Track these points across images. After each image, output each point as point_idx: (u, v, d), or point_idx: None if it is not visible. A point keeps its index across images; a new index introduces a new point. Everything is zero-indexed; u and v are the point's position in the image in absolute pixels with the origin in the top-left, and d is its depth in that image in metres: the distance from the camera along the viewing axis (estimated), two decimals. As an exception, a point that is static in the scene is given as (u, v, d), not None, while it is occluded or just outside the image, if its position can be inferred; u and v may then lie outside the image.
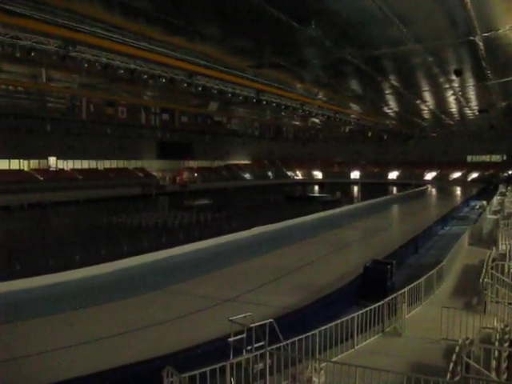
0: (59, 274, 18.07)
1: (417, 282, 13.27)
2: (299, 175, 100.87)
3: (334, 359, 9.71)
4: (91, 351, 11.23)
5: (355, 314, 10.91)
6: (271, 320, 9.48)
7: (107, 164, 73.79)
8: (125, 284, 18.34)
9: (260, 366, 8.77)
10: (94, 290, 17.44)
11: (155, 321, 13.19)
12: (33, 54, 26.26)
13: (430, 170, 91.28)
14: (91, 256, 21.92)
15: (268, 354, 8.62)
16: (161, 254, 21.96)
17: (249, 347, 9.16)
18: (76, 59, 28.20)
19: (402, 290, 12.28)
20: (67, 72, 35.29)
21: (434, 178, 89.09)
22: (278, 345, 8.99)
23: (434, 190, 74.64)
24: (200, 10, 21.24)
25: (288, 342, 9.23)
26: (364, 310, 11.19)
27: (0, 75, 37.87)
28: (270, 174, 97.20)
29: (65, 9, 22.03)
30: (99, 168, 72.56)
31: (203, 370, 7.71)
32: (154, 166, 79.77)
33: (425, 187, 75.19)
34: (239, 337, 9.20)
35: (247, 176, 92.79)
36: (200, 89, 36.14)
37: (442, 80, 33.71)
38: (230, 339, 9.23)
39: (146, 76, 32.05)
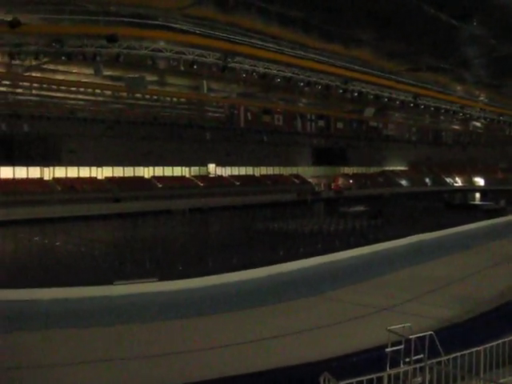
0: (217, 277, 18.78)
1: None
2: (459, 182, 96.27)
3: (502, 381, 9.03)
4: (247, 351, 11.46)
5: (525, 333, 10.05)
6: (431, 332, 9.07)
7: (263, 170, 75.45)
8: (280, 288, 18.60)
9: (418, 379, 8.41)
10: (251, 292, 17.88)
11: (310, 326, 13.19)
12: (195, 67, 27.68)
13: None
14: (248, 259, 22.54)
15: (427, 367, 8.25)
16: (316, 260, 22.00)
17: (407, 359, 8.83)
18: (234, 70, 29.26)
19: None
20: (226, 82, 36.73)
21: None
22: (438, 359, 8.56)
23: None
24: (355, 16, 21.12)
25: (449, 357, 8.74)
26: (535, 329, 10.27)
27: (165, 88, 40.35)
28: (427, 180, 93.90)
29: (225, 23, 23.00)
30: (256, 174, 74.41)
31: (360, 378, 7.51)
32: (309, 172, 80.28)
33: None
34: (397, 347, 8.89)
35: (404, 182, 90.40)
36: (356, 94, 35.88)
37: None
38: (387, 349, 8.96)
39: (301, 83, 32.42)
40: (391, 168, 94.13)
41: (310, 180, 78.85)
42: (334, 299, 16.38)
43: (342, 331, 12.98)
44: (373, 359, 9.84)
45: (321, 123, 59.11)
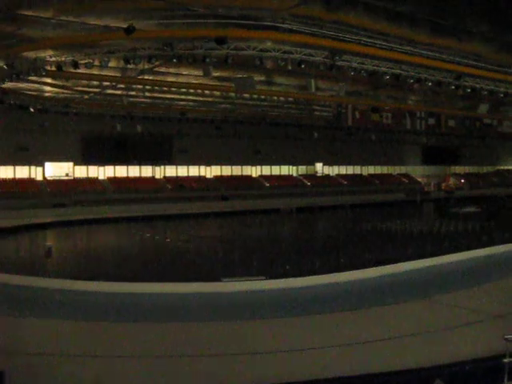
0: (325, 276, 18.66)
1: None
2: None
3: None
4: (355, 353, 11.22)
5: None
6: (553, 344, 8.45)
7: (371, 170, 74.31)
8: (390, 290, 18.20)
9: (539, 394, 7.88)
10: (360, 293, 17.62)
11: (420, 330, 12.74)
12: (302, 66, 27.69)
13: None
14: (356, 259, 22.28)
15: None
16: (426, 262, 21.35)
17: (526, 372, 8.28)
18: (342, 68, 28.98)
19: None
20: (333, 81, 36.41)
21: None
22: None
23: None
24: (469, 7, 20.27)
25: None
26: None
27: (273, 87, 40.64)
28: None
29: (331, 21, 22.84)
30: (363, 174, 73.42)
31: (475, 388, 7.16)
32: (418, 171, 78.24)
33: None
34: (515, 359, 8.37)
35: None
36: (469, 90, 34.50)
37: None
38: (505, 359, 8.45)
39: (411, 80, 31.60)
40: (507, 167, 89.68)
41: (419, 179, 76.84)
42: (444, 303, 15.78)
43: (453, 337, 12.43)
44: (488, 369, 9.34)
45: (431, 121, 57.15)
